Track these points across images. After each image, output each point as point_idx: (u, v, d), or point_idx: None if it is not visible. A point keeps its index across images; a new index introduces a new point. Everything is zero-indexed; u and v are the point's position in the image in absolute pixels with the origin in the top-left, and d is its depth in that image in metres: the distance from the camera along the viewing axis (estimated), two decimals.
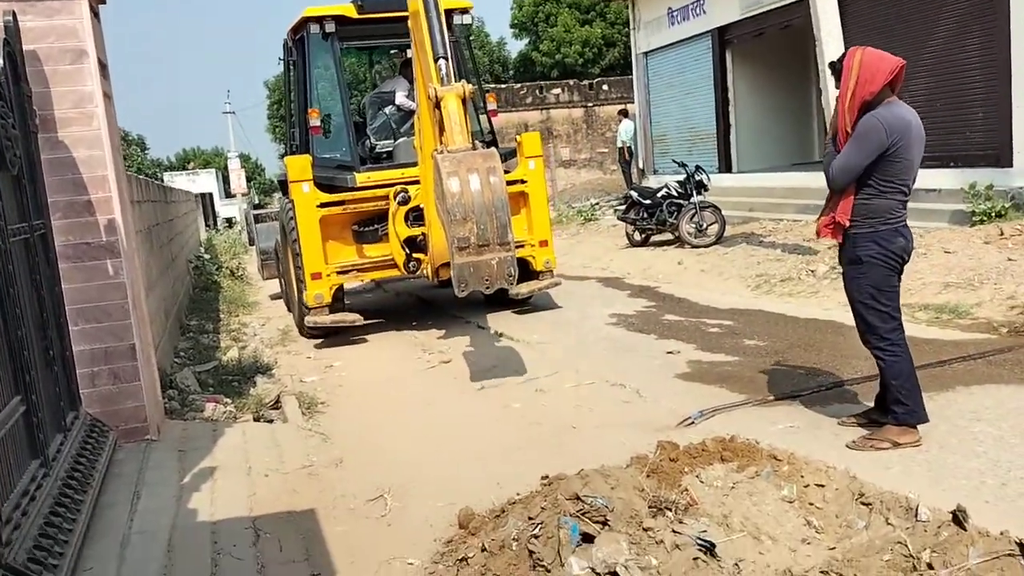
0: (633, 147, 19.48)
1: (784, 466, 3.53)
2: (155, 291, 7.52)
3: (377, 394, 6.40)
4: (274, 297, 12.73)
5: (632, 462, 3.59)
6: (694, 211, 12.34)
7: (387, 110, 9.06)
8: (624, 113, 19.15)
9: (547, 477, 3.91)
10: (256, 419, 5.98)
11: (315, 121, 8.35)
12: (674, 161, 13.24)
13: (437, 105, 6.00)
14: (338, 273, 8.28)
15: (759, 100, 16.28)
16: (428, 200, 7.54)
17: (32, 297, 3.92)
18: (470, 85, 6.14)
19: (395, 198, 8.00)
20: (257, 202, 58.18)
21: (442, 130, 6.08)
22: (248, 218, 40.90)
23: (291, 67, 9.36)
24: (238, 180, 42.93)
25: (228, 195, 50.75)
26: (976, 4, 10.43)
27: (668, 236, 13.13)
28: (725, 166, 16.30)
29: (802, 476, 3.47)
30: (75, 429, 4.31)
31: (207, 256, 15.71)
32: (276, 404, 6.48)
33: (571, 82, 29.78)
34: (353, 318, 8.25)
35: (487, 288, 5.61)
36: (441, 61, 6.17)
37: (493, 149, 5.72)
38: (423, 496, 4.06)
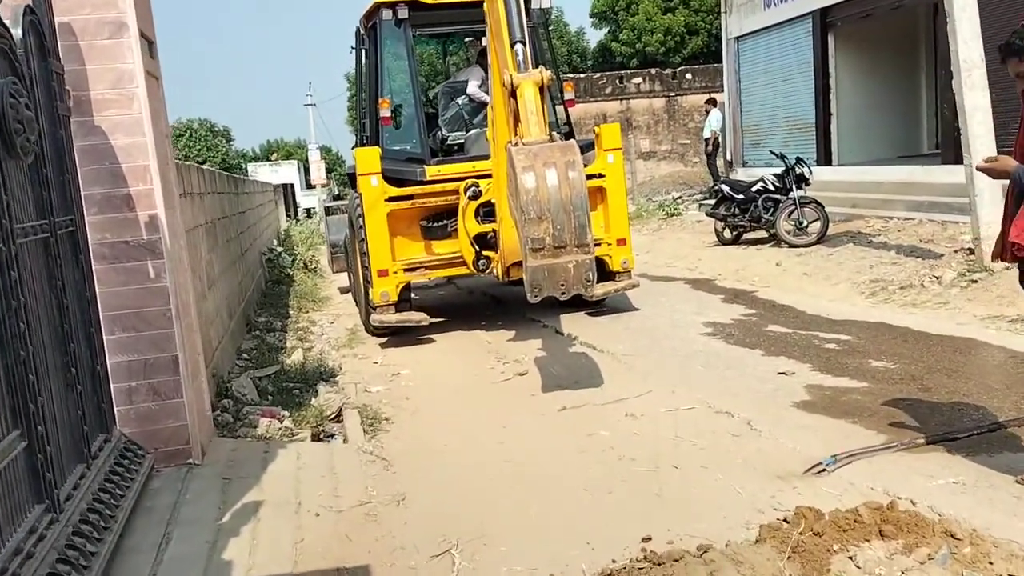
0: (720, 138, 18.42)
1: (965, 547, 2.73)
2: (217, 289, 7.05)
3: (446, 410, 5.75)
4: (343, 291, 12.30)
5: (764, 535, 2.83)
6: (793, 207, 11.35)
7: (459, 100, 8.48)
8: (712, 102, 18.11)
9: (649, 540, 3.20)
10: (315, 436, 5.41)
11: (385, 112, 7.80)
12: (772, 152, 12.24)
13: (513, 93, 5.36)
14: (405, 270, 7.74)
15: (863, 87, 15.08)
16: (500, 195, 6.91)
17: (50, 306, 3.38)
18: (548, 72, 5.44)
19: (466, 192, 7.45)
20: (337, 193, 58.83)
21: (517, 121, 5.44)
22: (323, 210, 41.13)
23: (363, 56, 8.82)
24: (318, 171, 43.28)
25: (309, 186, 51.29)
26: None
27: (762, 234, 12.17)
28: (825, 158, 15.15)
29: (990, 563, 2.66)
30: (103, 455, 3.77)
31: (280, 248, 15.40)
32: (338, 417, 5.91)
33: (653, 71, 28.70)
34: (419, 318, 7.71)
35: (562, 294, 4.99)
36: (518, 46, 5.53)
37: (572, 142, 5.06)
38: (498, 555, 3.37)
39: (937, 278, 7.90)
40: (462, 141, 8.15)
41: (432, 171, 7.59)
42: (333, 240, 11.61)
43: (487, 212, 7.46)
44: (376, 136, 8.59)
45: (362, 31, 8.64)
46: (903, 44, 15.25)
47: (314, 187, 46.99)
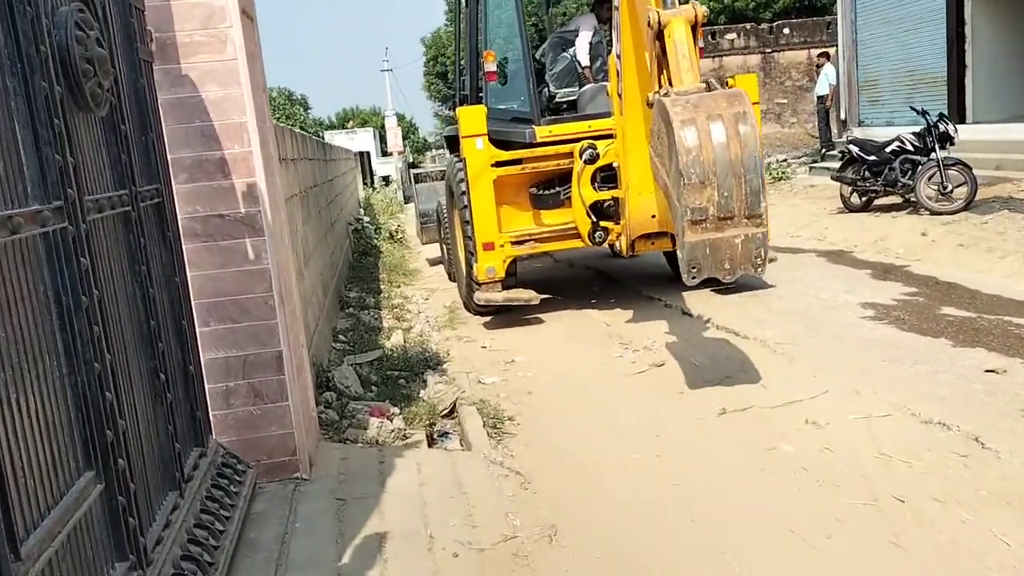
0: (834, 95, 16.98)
1: None
2: (312, 265, 6.39)
3: (579, 409, 4.95)
4: (433, 262, 11.64)
5: None
6: (936, 169, 10.08)
7: (570, 52, 7.53)
8: (826, 55, 16.69)
9: None
10: (430, 440, 4.69)
11: (490, 66, 6.96)
12: (912, 108, 10.94)
13: (659, 34, 4.43)
14: (513, 244, 6.94)
15: (1002, 37, 13.52)
16: (627, 158, 6.03)
17: (132, 298, 2.68)
18: (702, 8, 4.49)
19: (581, 156, 6.59)
20: (412, 161, 58.50)
21: (661, 68, 4.53)
22: (404, 177, 40.85)
23: (462, 6, 7.98)
24: (395, 138, 42.94)
25: (384, 153, 51.03)
26: None
27: (895, 200, 10.94)
28: (958, 115, 13.64)
29: None
30: (199, 475, 3.09)
31: (367, 219, 14.81)
32: (451, 412, 5.19)
33: (748, 26, 27.03)
34: (529, 296, 6.92)
35: (727, 276, 4.12)
36: None
37: (741, 90, 4.11)
38: None
39: None
40: (575, 98, 7.26)
41: (543, 132, 6.74)
42: (423, 209, 10.93)
43: (605, 177, 6.61)
44: (478, 94, 7.79)
45: None
46: None
47: (391, 154, 46.71)
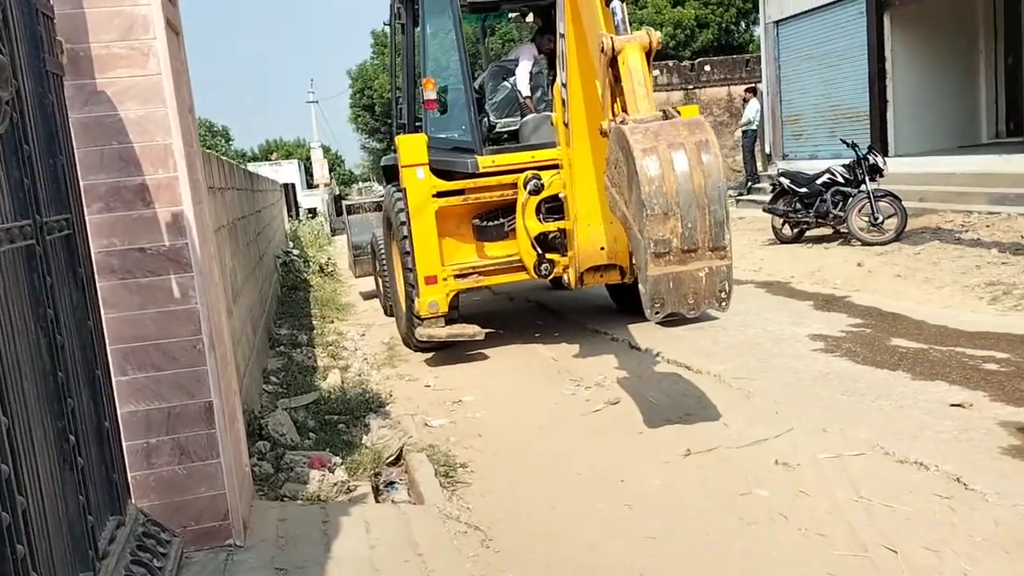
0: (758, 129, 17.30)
1: None
2: (241, 301, 5.95)
3: (536, 454, 4.65)
4: (367, 296, 11.22)
5: None
6: (866, 201, 10.23)
7: (511, 81, 7.33)
8: (753, 91, 17.01)
9: None
10: (376, 491, 4.32)
11: (430, 93, 6.70)
12: (842, 141, 11.12)
13: (612, 61, 4.25)
14: (456, 277, 6.64)
15: (921, 72, 13.96)
16: (574, 189, 5.86)
17: (35, 347, 2.27)
18: (657, 34, 4.35)
19: (525, 186, 6.37)
20: (338, 193, 57.68)
21: (615, 95, 4.35)
22: (331, 209, 40.06)
23: (400, 31, 7.71)
24: (321, 170, 42.28)
25: (310, 186, 50.18)
26: None
27: (826, 231, 11.06)
28: (881, 149, 13.97)
29: None
30: (116, 550, 2.66)
31: (296, 252, 14.28)
32: (398, 459, 4.83)
33: (670, 63, 27.52)
34: (473, 331, 6.62)
35: (691, 311, 3.95)
36: (616, 3, 4.44)
37: (700, 118, 3.99)
38: None
39: None
40: (516, 128, 7.04)
41: (485, 162, 6.49)
42: (357, 242, 10.53)
43: (550, 209, 6.41)
44: (415, 123, 7.52)
45: (399, 3, 7.52)
46: (962, 26, 14.15)
47: (317, 187, 45.93)
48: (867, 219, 10.24)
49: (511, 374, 6.47)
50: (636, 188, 3.74)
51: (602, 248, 5.99)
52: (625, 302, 7.72)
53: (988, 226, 9.81)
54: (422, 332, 6.55)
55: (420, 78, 7.12)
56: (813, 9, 15.40)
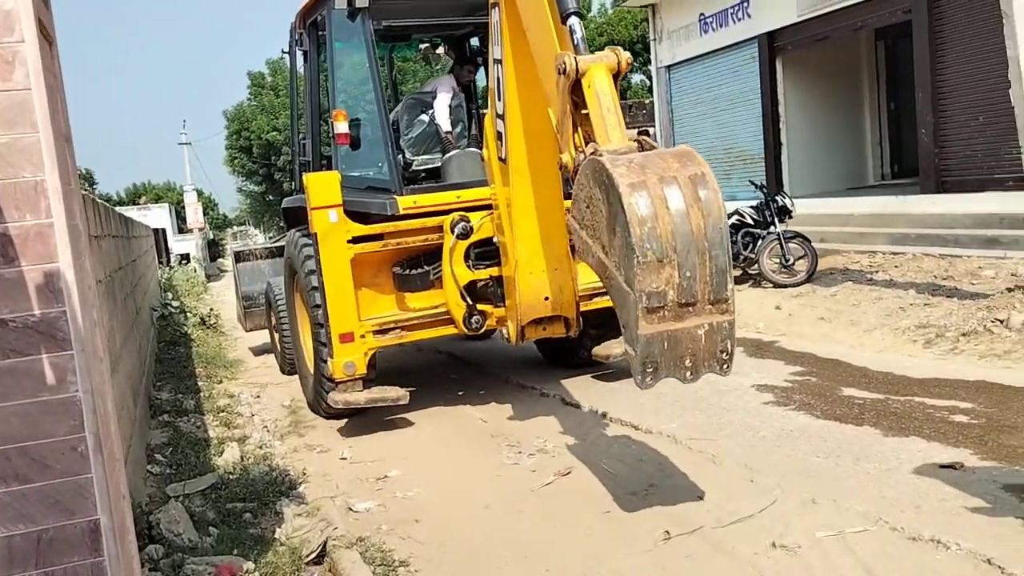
0: None
1: None
2: (121, 369, 5.03)
3: (491, 543, 3.97)
4: (258, 352, 10.24)
5: None
6: (776, 242, 10.17)
7: (429, 115, 6.73)
8: (645, 133, 17.02)
9: None
10: None
11: (341, 126, 5.96)
12: (751, 183, 11.09)
13: (576, 85, 3.74)
14: (375, 333, 5.87)
15: (811, 116, 14.33)
16: (513, 232, 5.30)
17: None
18: (626, 53, 3.87)
19: (452, 230, 5.74)
20: (212, 238, 55.15)
21: (577, 124, 3.85)
22: (205, 255, 38.01)
23: (303, 60, 7.00)
24: (195, 214, 40.32)
25: (181, 231, 47.79)
26: None
27: (736, 272, 10.94)
28: (776, 191, 14.22)
29: None
30: None
31: (174, 303, 13.07)
32: (321, 557, 4.04)
33: None
34: (397, 394, 5.87)
35: (689, 376, 3.37)
36: (573, 20, 3.94)
37: (689, 148, 3.48)
38: None
39: (1002, 322, 6.74)
40: (435, 165, 6.42)
41: (406, 203, 5.79)
42: (247, 292, 9.58)
43: (480, 254, 5.81)
44: (321, 161, 6.80)
45: (301, 29, 6.82)
46: (848, 72, 14.64)
47: (190, 231, 43.73)
48: (778, 261, 10.18)
49: (438, 441, 5.78)
50: (622, 231, 3.18)
51: (546, 298, 5.42)
52: (554, 353, 7.18)
53: (896, 266, 9.90)
54: (337, 398, 5.74)
55: (327, 111, 6.42)
56: (705, 54, 15.62)
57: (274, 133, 41.28)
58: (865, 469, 4.25)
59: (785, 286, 9.96)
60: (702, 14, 15.35)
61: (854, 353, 6.93)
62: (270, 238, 53.99)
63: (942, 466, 4.14)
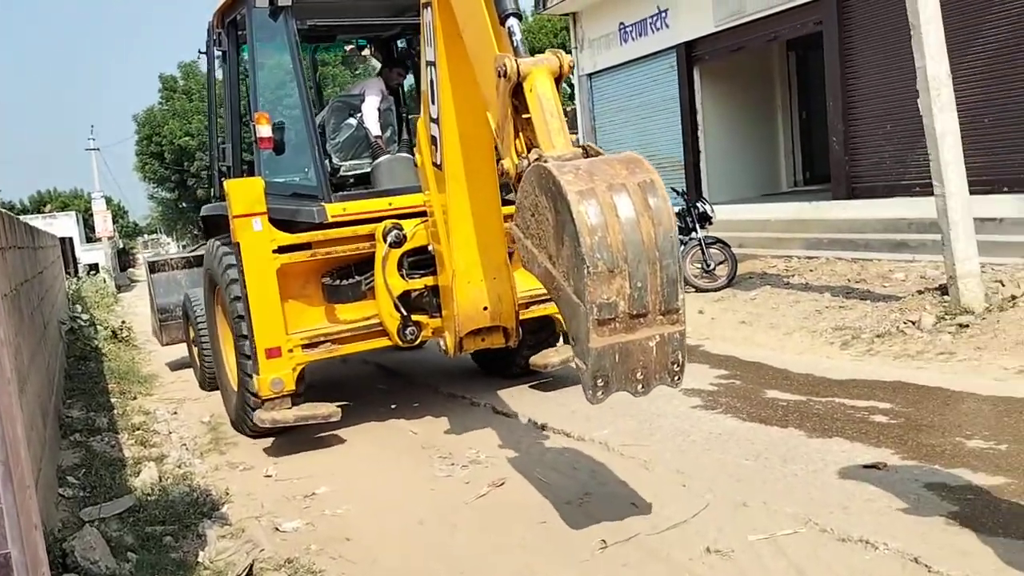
0: None
1: None
2: (29, 388, 4.75)
3: (426, 560, 3.89)
4: (176, 367, 9.87)
5: None
6: (698, 248, 10.39)
7: (357, 118, 6.57)
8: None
9: None
10: None
11: (264, 130, 5.76)
12: (673, 190, 11.26)
13: (517, 88, 3.69)
14: (304, 347, 5.67)
15: (728, 125, 14.70)
16: (451, 240, 5.21)
17: None
18: (568, 56, 3.85)
19: (384, 238, 5.58)
20: (122, 247, 53.24)
21: (518, 128, 3.80)
22: (115, 264, 36.59)
23: (222, 61, 6.78)
24: (104, 223, 38.85)
25: (89, 239, 45.98)
26: None
27: None
28: (697, 197, 14.51)
29: None
30: None
31: (84, 316, 12.51)
32: None
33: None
34: (328, 411, 5.67)
35: (640, 389, 3.31)
36: (512, 20, 3.88)
37: (637, 155, 3.46)
38: None
39: (914, 323, 7.01)
40: (365, 171, 6.29)
41: (335, 210, 5.64)
42: (163, 304, 9.21)
43: (415, 263, 5.68)
44: (242, 167, 6.60)
45: (219, 29, 6.60)
46: (761, 82, 15.07)
47: (98, 240, 42.09)
48: (699, 266, 10.39)
49: (368, 455, 5.65)
50: (571, 240, 3.12)
51: (485, 308, 5.34)
52: (490, 363, 7.10)
53: (811, 270, 10.21)
54: (264, 416, 5.52)
55: (248, 113, 6.22)
56: (625, 63, 15.85)
57: (187, 138, 40.18)
58: (793, 471, 4.34)
59: (707, 291, 10.16)
60: (622, 23, 15.57)
61: (775, 355, 7.10)
62: (183, 247, 52.43)
63: (866, 466, 4.26)
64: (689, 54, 14.26)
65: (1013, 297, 6.85)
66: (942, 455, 4.31)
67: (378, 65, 7.08)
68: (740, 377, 6.47)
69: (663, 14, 14.49)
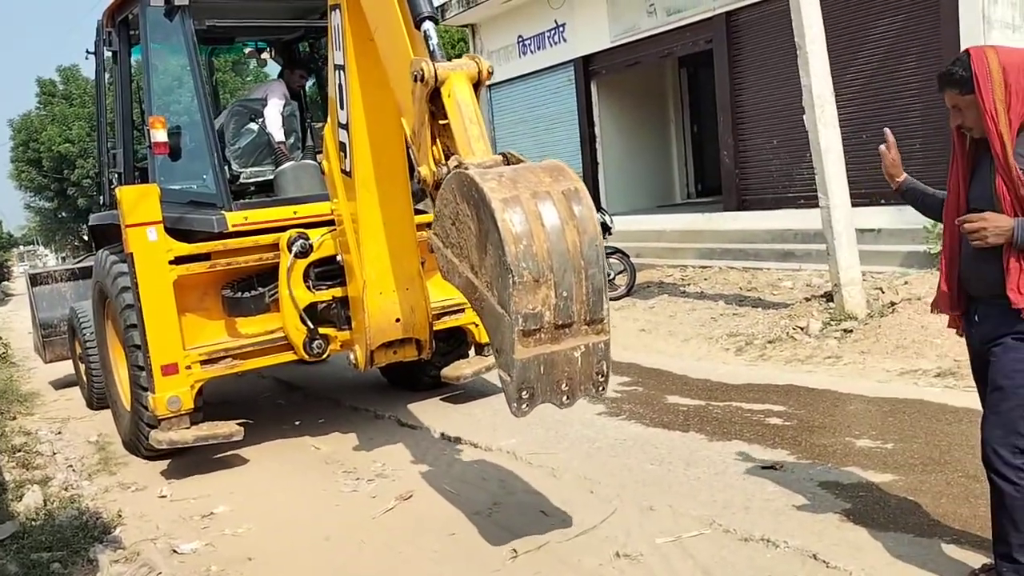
0: None
1: None
2: None
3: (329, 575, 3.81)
4: (60, 385, 9.35)
5: None
6: None
7: (258, 123, 6.38)
8: None
9: None
10: None
11: (159, 135, 5.51)
12: None
13: (434, 93, 3.66)
14: (203, 363, 5.43)
15: (624, 137, 15.07)
16: (361, 250, 5.14)
17: None
18: (486, 62, 3.85)
19: (289, 248, 5.42)
20: None
21: (435, 135, 3.78)
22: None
23: (113, 61, 6.49)
24: None
25: None
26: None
27: None
28: (595, 208, 14.80)
29: None
30: None
31: None
32: None
33: None
34: (229, 430, 5.42)
35: (565, 401, 3.30)
36: (428, 24, 3.85)
37: (559, 162, 3.46)
38: None
39: (802, 329, 7.35)
40: (268, 178, 6.12)
41: (235, 219, 5.44)
42: (46, 319, 8.72)
43: (321, 274, 5.55)
44: (134, 173, 6.33)
45: (110, 27, 6.30)
46: (656, 97, 15.52)
47: None
48: None
49: (268, 472, 5.48)
50: (495, 249, 3.08)
51: (397, 320, 5.25)
52: (397, 375, 7.00)
53: (706, 279, 10.56)
54: (160, 437, 5.25)
55: (142, 117, 5.97)
56: (524, 75, 16.03)
57: (67, 144, 38.20)
58: (696, 474, 4.46)
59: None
60: (520, 36, 15.75)
61: (674, 362, 7.29)
62: (63, 258, 49.75)
63: (764, 467, 4.42)
64: (587, 68, 14.55)
65: (892, 303, 7.26)
66: (834, 454, 4.52)
67: (276, 69, 6.91)
68: (642, 383, 6.62)
69: (560, 28, 14.74)
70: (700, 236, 12.02)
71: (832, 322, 7.28)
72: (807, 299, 8.06)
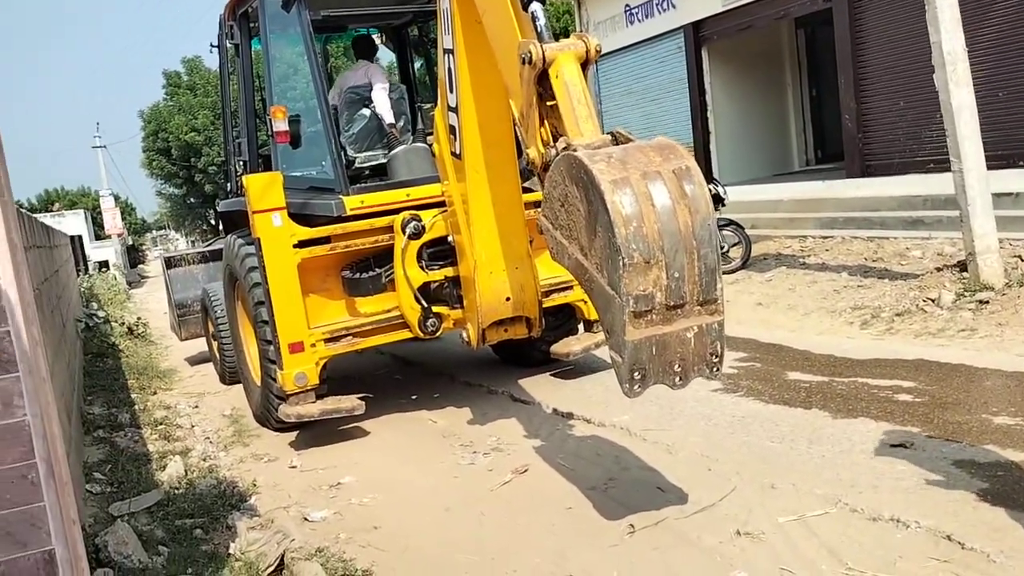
0: None
1: None
2: (54, 385, 4.77)
3: (453, 547, 3.91)
4: (195, 361, 9.92)
5: None
6: None
7: (370, 108, 6.52)
8: None
9: None
10: None
11: (281, 124, 5.72)
12: None
13: (542, 75, 3.65)
14: (326, 341, 5.65)
15: (737, 105, 14.62)
16: (472, 230, 5.20)
17: None
18: (595, 40, 3.81)
19: (403, 230, 5.54)
20: (132, 243, 53.34)
21: (543, 116, 3.76)
22: (123, 260, 36.64)
23: (235, 54, 6.77)
24: (113, 220, 38.88)
25: (98, 237, 46.11)
26: None
27: None
28: (707, 179, 14.47)
29: None
30: None
31: (100, 313, 12.57)
32: (277, 571, 3.93)
33: None
34: (351, 405, 5.63)
35: (678, 382, 3.26)
36: (535, 5, 3.83)
37: (670, 140, 3.40)
38: None
39: (933, 300, 6.99)
40: (380, 162, 6.27)
41: (353, 203, 5.61)
42: (181, 299, 9.26)
43: (434, 254, 5.66)
44: (258, 161, 6.59)
45: (231, 22, 6.57)
46: (771, 61, 14.97)
47: (108, 237, 42.23)
48: None
49: (389, 444, 5.68)
50: (604, 231, 3.07)
51: (508, 299, 5.32)
52: (509, 352, 7.08)
53: (827, 250, 10.16)
54: (288, 411, 5.53)
55: (264, 106, 6.21)
56: (631, 45, 15.76)
57: (193, 134, 40.22)
58: (820, 452, 4.34)
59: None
60: (627, 5, 15.47)
61: (794, 337, 7.08)
62: (192, 242, 52.54)
63: (893, 445, 4.25)
64: (697, 34, 14.18)
65: None
66: (969, 432, 4.30)
67: (390, 55, 7.04)
68: (760, 359, 6.46)
69: None
70: (820, 204, 11.57)
71: (966, 293, 6.89)
72: (938, 269, 7.65)
